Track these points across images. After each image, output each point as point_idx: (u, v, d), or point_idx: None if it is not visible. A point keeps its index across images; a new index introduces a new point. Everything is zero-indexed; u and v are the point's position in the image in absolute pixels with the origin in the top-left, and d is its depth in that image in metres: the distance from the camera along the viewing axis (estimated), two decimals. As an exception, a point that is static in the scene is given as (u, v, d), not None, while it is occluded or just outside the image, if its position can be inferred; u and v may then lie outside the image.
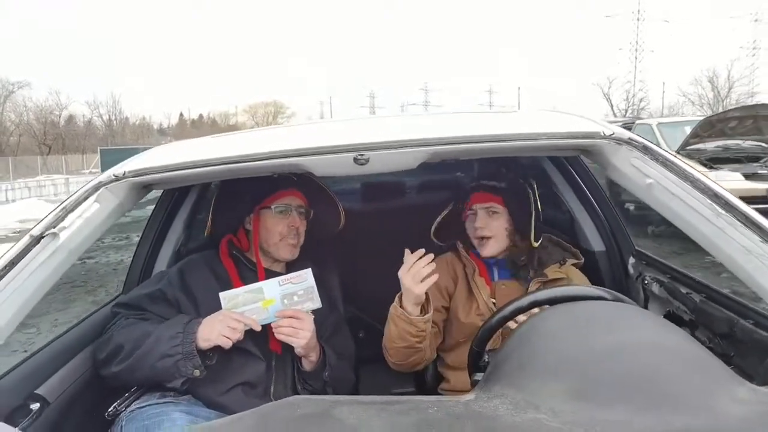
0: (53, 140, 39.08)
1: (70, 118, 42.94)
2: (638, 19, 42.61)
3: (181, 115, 60.78)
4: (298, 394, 1.54)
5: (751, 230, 1.06)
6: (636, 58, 42.29)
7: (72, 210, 1.20)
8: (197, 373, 1.38)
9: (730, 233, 1.07)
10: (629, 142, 1.25)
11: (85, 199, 1.22)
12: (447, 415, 0.74)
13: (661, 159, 1.20)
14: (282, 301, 1.49)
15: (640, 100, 41.46)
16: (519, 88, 55.22)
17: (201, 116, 61.21)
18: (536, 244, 1.69)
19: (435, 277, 1.45)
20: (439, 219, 1.87)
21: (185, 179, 1.33)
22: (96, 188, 1.24)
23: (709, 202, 1.11)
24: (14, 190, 19.92)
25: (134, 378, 1.40)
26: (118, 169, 1.27)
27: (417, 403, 0.77)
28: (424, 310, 1.52)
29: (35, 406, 1.27)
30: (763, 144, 7.83)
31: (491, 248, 1.72)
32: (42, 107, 40.19)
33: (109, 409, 1.37)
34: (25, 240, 1.14)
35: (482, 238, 1.72)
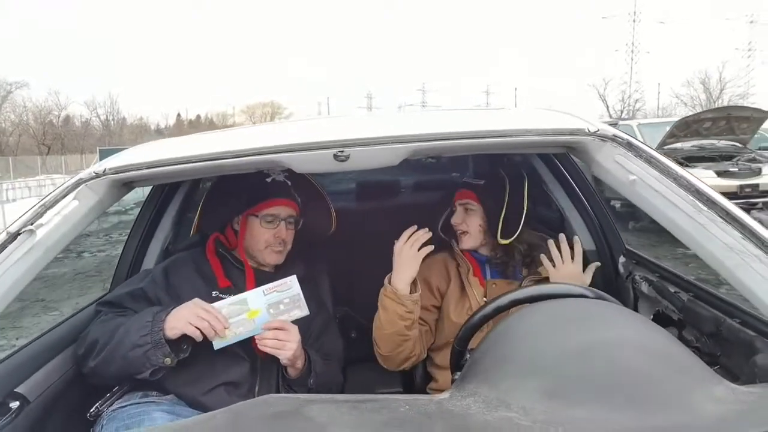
0: (53, 140, 39.31)
1: (67, 119, 43.19)
2: (634, 21, 43.03)
3: (179, 115, 60.89)
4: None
5: (732, 227, 1.04)
6: (632, 59, 42.73)
7: (51, 207, 1.19)
8: (168, 361, 1.34)
9: (712, 230, 1.06)
10: (613, 139, 1.24)
11: (64, 196, 1.21)
12: (418, 414, 0.73)
13: (645, 155, 1.19)
14: (268, 311, 1.45)
15: (636, 101, 41.94)
16: (516, 88, 55.63)
17: (198, 117, 61.31)
18: (504, 242, 1.67)
19: (431, 247, 1.55)
20: (444, 217, 1.87)
21: (165, 176, 1.32)
22: (76, 185, 1.23)
23: (691, 198, 1.10)
24: (15, 190, 20.06)
25: (110, 372, 1.37)
26: (99, 166, 1.26)
27: (390, 401, 0.76)
28: (412, 290, 1.56)
29: (15, 404, 1.26)
30: (737, 143, 8.42)
31: (467, 243, 1.75)
32: (42, 107, 40.47)
33: (91, 410, 1.36)
34: (2, 237, 1.12)
35: (461, 232, 1.76)
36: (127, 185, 1.34)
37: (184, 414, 1.38)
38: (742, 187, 7.43)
